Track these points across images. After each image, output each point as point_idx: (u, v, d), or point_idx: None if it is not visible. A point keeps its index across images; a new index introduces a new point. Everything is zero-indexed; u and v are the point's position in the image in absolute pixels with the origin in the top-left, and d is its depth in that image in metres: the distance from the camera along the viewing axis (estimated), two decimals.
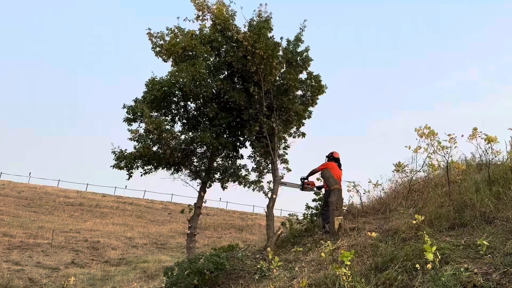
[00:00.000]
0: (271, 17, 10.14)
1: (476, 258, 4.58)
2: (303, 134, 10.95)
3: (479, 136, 6.77)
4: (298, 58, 10.41)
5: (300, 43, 10.45)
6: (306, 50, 10.49)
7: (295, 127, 10.86)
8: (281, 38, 10.34)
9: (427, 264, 4.38)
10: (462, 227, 5.60)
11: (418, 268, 4.55)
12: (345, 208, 8.88)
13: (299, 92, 10.59)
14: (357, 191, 8.89)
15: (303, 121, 10.86)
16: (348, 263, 4.81)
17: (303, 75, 10.62)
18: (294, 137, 10.95)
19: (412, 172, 7.81)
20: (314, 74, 10.58)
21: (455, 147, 6.72)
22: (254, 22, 9.96)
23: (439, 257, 4.42)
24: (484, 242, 4.58)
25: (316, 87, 10.53)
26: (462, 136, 6.66)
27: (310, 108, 10.88)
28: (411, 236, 5.72)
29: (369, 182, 8.73)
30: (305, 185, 9.59)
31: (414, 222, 5.50)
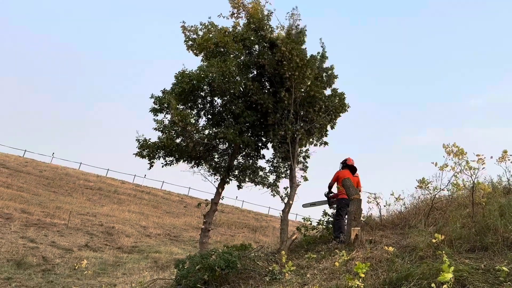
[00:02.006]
0: (306, 30, 10.24)
1: (495, 284, 4.44)
2: (325, 143, 10.94)
3: (509, 159, 6.59)
4: (324, 74, 10.62)
5: (325, 60, 10.68)
6: (331, 68, 10.73)
7: (316, 137, 10.84)
8: (318, 53, 10.57)
9: (443, 284, 4.27)
10: (483, 251, 5.44)
11: None
12: (363, 219, 8.76)
13: (323, 106, 10.60)
14: (377, 204, 8.75)
15: (327, 132, 10.84)
16: (362, 275, 4.74)
17: (327, 91, 10.76)
18: (315, 145, 10.93)
19: (436, 190, 7.63)
20: (338, 91, 10.70)
21: (483, 168, 6.55)
22: (293, 31, 10.03)
23: (454, 278, 4.31)
24: (504, 268, 4.45)
25: (339, 105, 10.52)
26: (492, 157, 6.48)
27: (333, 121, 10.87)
28: (429, 255, 5.59)
29: (391, 194, 8.59)
30: (330, 200, 9.56)
31: (434, 240, 5.37)
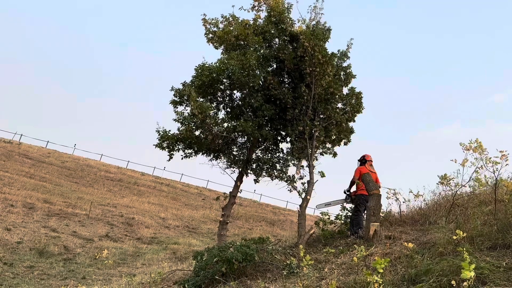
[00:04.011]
0: (331, 28, 10.22)
1: None
2: (335, 154, 10.93)
3: None
4: (342, 73, 10.54)
5: (346, 59, 10.59)
6: (349, 66, 10.65)
7: (330, 144, 10.79)
8: (338, 50, 10.47)
9: (464, 282, 4.21)
10: (505, 249, 5.35)
11: (454, 285, 4.37)
12: (383, 215, 8.69)
13: (340, 105, 10.61)
14: (397, 199, 8.67)
15: (342, 139, 10.78)
16: (381, 270, 4.69)
17: (345, 90, 10.68)
18: (325, 152, 10.86)
19: (457, 186, 7.51)
20: (356, 90, 10.59)
21: (506, 164, 6.41)
22: (317, 27, 9.98)
23: (475, 276, 4.24)
24: None
25: (355, 105, 10.45)
26: None
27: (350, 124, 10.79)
28: (449, 251, 5.52)
29: (410, 192, 8.50)
30: (352, 196, 9.46)
31: (455, 237, 5.30)
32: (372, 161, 9.22)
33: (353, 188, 9.35)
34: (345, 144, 10.87)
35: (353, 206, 9.05)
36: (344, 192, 9.57)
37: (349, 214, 9.57)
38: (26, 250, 15.11)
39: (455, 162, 7.00)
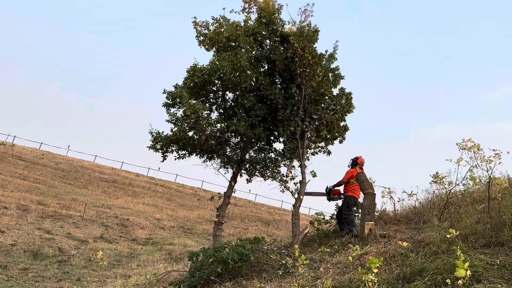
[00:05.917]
0: (319, 29, 10.24)
1: (511, 280, 4.40)
2: (329, 152, 10.91)
3: None
4: (330, 75, 10.56)
5: (333, 60, 10.60)
6: (337, 68, 10.65)
7: (323, 143, 10.79)
8: (326, 51, 10.50)
9: (458, 280, 4.23)
10: (499, 246, 5.38)
11: (449, 283, 4.40)
12: (377, 214, 8.71)
13: (331, 106, 10.59)
14: (391, 198, 8.70)
15: (334, 141, 10.80)
16: (376, 270, 4.72)
17: (335, 90, 10.72)
18: (319, 151, 10.86)
19: (451, 185, 7.55)
20: (346, 91, 10.63)
21: (500, 163, 6.45)
22: (306, 28, 9.99)
23: (471, 274, 4.27)
24: None
25: (345, 105, 10.48)
26: (508, 153, 6.37)
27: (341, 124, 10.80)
28: (443, 250, 5.54)
29: (403, 192, 8.53)
30: (331, 194, 9.50)
31: (448, 236, 5.33)
32: (363, 164, 9.13)
33: (339, 189, 9.36)
34: (340, 142, 10.89)
35: (344, 206, 8.98)
36: (326, 189, 9.56)
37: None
38: (20, 252, 15.05)
39: (450, 161, 7.03)
